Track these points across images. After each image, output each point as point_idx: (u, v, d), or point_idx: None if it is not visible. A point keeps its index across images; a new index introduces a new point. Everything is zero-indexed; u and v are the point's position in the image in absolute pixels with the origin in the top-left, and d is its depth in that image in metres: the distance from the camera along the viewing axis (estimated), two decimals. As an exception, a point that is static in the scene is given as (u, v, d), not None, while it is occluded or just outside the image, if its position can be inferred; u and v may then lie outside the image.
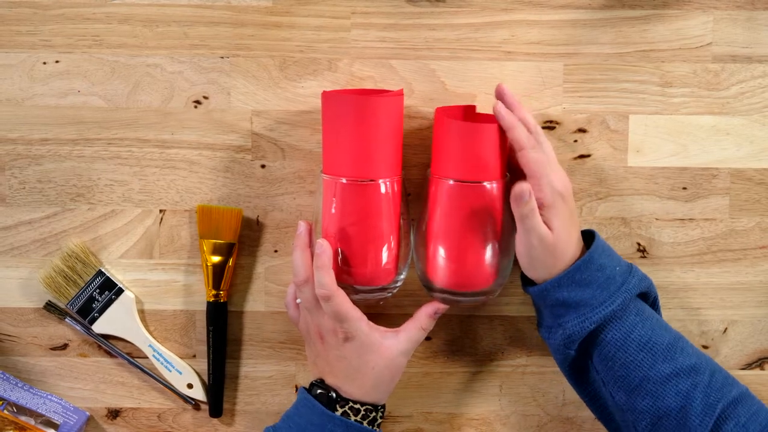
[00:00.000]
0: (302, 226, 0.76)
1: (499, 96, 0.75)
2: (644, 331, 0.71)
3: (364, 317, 0.74)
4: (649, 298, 0.75)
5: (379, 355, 0.74)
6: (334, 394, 0.73)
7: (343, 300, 0.72)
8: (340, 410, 0.73)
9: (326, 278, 0.72)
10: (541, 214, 0.71)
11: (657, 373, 0.69)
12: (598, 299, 0.71)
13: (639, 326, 0.71)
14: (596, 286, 0.71)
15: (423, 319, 0.76)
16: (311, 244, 0.75)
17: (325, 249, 0.72)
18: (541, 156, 0.72)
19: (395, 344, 0.75)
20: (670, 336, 0.71)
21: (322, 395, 0.73)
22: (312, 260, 0.74)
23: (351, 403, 0.73)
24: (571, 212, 0.73)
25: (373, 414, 0.74)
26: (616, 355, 0.71)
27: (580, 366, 0.75)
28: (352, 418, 0.73)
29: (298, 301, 0.77)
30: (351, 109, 0.71)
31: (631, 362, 0.70)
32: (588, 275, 0.71)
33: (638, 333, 0.70)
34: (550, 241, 0.71)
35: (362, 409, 0.73)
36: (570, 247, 0.72)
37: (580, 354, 0.74)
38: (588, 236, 0.76)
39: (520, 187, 0.70)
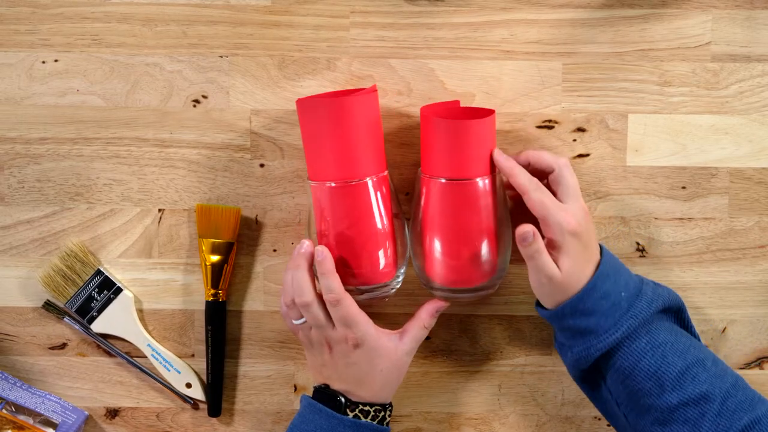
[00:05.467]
0: (306, 244, 0.74)
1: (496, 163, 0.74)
2: (653, 359, 0.69)
3: (371, 321, 0.74)
4: (671, 311, 0.73)
5: (387, 358, 0.74)
6: (342, 399, 0.73)
7: (351, 303, 0.72)
8: (351, 414, 0.73)
9: (334, 283, 0.72)
10: (550, 254, 0.71)
11: (664, 403, 0.69)
12: (603, 327, 0.70)
13: (648, 354, 0.70)
14: (600, 314, 0.70)
15: (425, 317, 0.76)
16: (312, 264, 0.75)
17: (326, 255, 0.72)
18: (545, 197, 0.71)
19: (401, 346, 0.75)
20: (684, 362, 0.69)
21: (329, 401, 0.73)
22: (312, 280, 0.73)
23: (361, 406, 0.73)
24: (585, 246, 0.71)
25: (382, 413, 0.74)
26: (625, 382, 0.71)
27: (594, 384, 0.75)
28: (362, 419, 0.73)
29: (297, 322, 0.76)
30: (326, 112, 0.71)
31: (639, 390, 0.70)
32: (591, 304, 0.71)
33: (647, 362, 0.69)
34: (558, 279, 0.71)
35: (372, 410, 0.74)
36: (581, 279, 0.71)
37: (594, 372, 0.74)
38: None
39: (523, 229, 0.70)
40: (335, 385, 0.74)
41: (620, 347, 0.70)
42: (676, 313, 0.74)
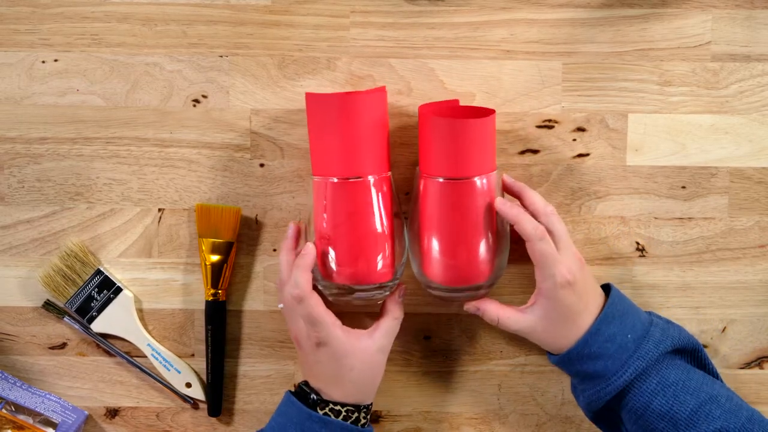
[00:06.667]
0: (291, 228, 0.77)
1: (504, 187, 0.76)
2: (665, 399, 0.70)
3: (338, 322, 0.73)
4: (686, 350, 0.74)
5: (355, 358, 0.73)
6: (314, 397, 0.73)
7: (316, 303, 0.72)
8: (321, 412, 0.72)
9: (302, 278, 0.72)
10: (541, 302, 0.72)
11: None
12: (611, 370, 0.71)
13: (660, 395, 0.70)
14: (607, 358, 0.71)
15: (393, 309, 0.76)
16: (297, 245, 0.76)
17: (309, 252, 0.73)
18: (548, 248, 0.71)
19: (371, 344, 0.74)
20: (696, 401, 0.70)
21: (305, 397, 0.73)
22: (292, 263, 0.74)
23: (331, 405, 0.73)
24: (579, 296, 0.72)
25: (356, 414, 0.73)
26: (638, 422, 0.71)
27: (609, 421, 0.76)
28: (332, 418, 0.72)
29: (279, 306, 0.76)
30: (334, 106, 0.71)
31: (653, 430, 0.70)
32: (596, 348, 0.71)
33: (658, 402, 0.70)
34: (539, 337, 0.73)
35: (343, 410, 0.73)
36: (576, 326, 0.72)
37: (610, 412, 0.75)
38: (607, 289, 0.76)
39: (467, 308, 0.76)
40: (312, 382, 0.74)
41: (631, 389, 0.71)
42: (691, 353, 0.74)
